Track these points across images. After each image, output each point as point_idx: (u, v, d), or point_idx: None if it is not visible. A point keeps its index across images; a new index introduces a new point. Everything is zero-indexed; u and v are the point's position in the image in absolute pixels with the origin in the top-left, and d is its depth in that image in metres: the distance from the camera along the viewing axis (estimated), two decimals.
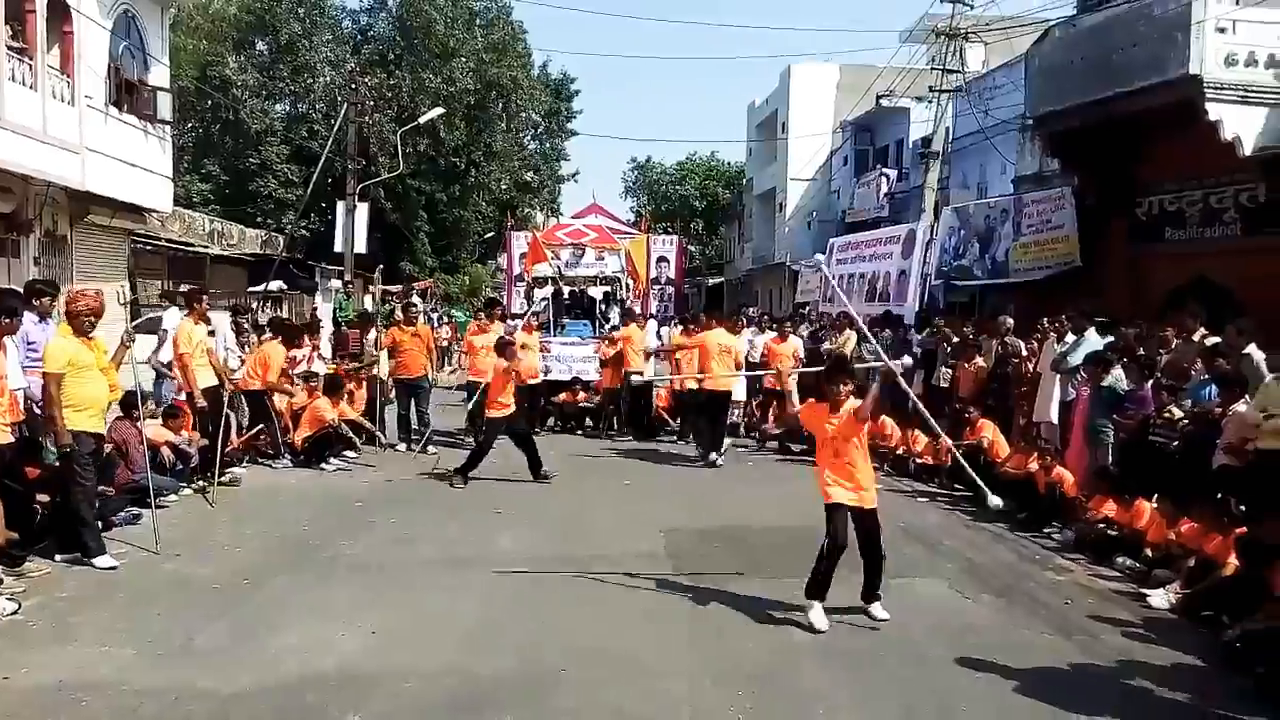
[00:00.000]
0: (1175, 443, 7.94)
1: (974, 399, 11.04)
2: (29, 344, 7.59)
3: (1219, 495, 6.84)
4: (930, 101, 20.95)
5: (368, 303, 23.16)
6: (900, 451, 11.25)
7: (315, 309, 24.89)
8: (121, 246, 17.71)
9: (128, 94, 16.08)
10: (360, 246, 23.59)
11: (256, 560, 6.96)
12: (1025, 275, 14.83)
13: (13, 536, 6.35)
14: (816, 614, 5.68)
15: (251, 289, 24.30)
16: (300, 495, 9.35)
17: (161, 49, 17.35)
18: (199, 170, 34.50)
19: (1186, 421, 7.88)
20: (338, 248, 23.94)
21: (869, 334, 11.26)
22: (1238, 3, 11.37)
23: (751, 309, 22.83)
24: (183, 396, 9.70)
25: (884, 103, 27.00)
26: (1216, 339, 8.49)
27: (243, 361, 11.16)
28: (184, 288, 14.03)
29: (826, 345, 14.01)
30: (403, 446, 11.99)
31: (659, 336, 14.90)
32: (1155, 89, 11.44)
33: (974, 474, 7.35)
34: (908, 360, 7.51)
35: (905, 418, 11.71)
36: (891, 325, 13.96)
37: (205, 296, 10.29)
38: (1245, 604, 5.67)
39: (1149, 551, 7.10)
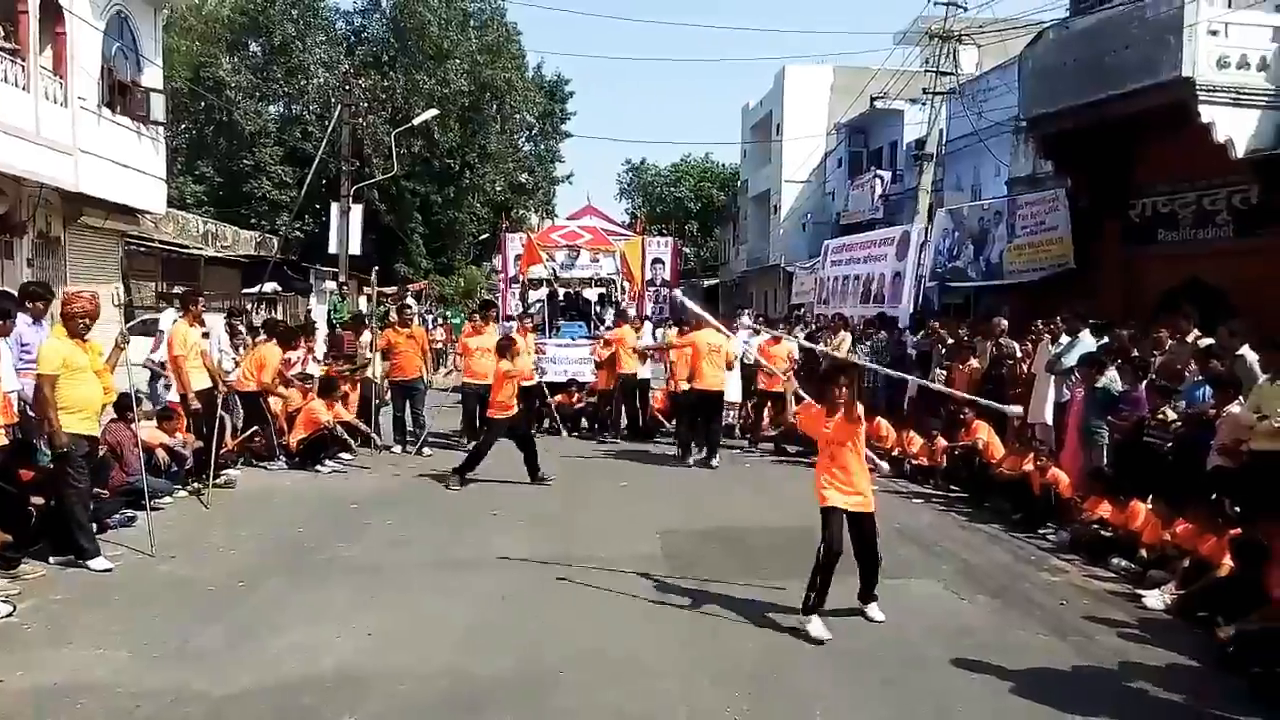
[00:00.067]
0: (1169, 444, 7.97)
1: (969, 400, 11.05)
2: (22, 346, 7.58)
3: (1213, 496, 6.87)
4: (924, 104, 21.01)
5: (362, 304, 23.14)
6: (895, 453, 11.26)
7: (309, 311, 24.89)
8: (115, 248, 17.67)
9: (121, 95, 16.04)
10: (355, 248, 23.61)
11: (252, 562, 6.95)
12: (1019, 277, 14.88)
13: (7, 539, 6.34)
14: (816, 626, 5.57)
15: (246, 291, 24.29)
16: (295, 497, 9.33)
17: (155, 50, 17.32)
18: (193, 172, 34.45)
19: (1180, 424, 7.91)
20: (332, 249, 23.97)
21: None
22: (1230, 5, 11.43)
23: (747, 311, 22.87)
24: (177, 398, 9.69)
25: (878, 105, 27.08)
26: (1210, 340, 8.54)
27: (237, 363, 11.15)
28: (178, 289, 14.01)
29: (821, 346, 14.03)
30: (398, 448, 11.97)
31: (654, 338, 14.91)
32: (1148, 91, 11.49)
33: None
34: (1017, 409, 7.52)
35: (900, 419, 11.78)
36: (886, 327, 14.00)
37: (201, 299, 10.30)
38: (1240, 605, 5.69)
39: (1144, 552, 7.11)
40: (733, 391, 13.47)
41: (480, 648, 5.36)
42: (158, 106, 16.83)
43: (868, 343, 13.46)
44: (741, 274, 41.20)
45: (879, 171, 28.08)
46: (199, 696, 4.62)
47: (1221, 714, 4.77)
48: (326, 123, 26.49)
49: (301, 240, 32.46)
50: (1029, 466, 8.94)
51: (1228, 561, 6.18)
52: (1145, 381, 8.54)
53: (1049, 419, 9.79)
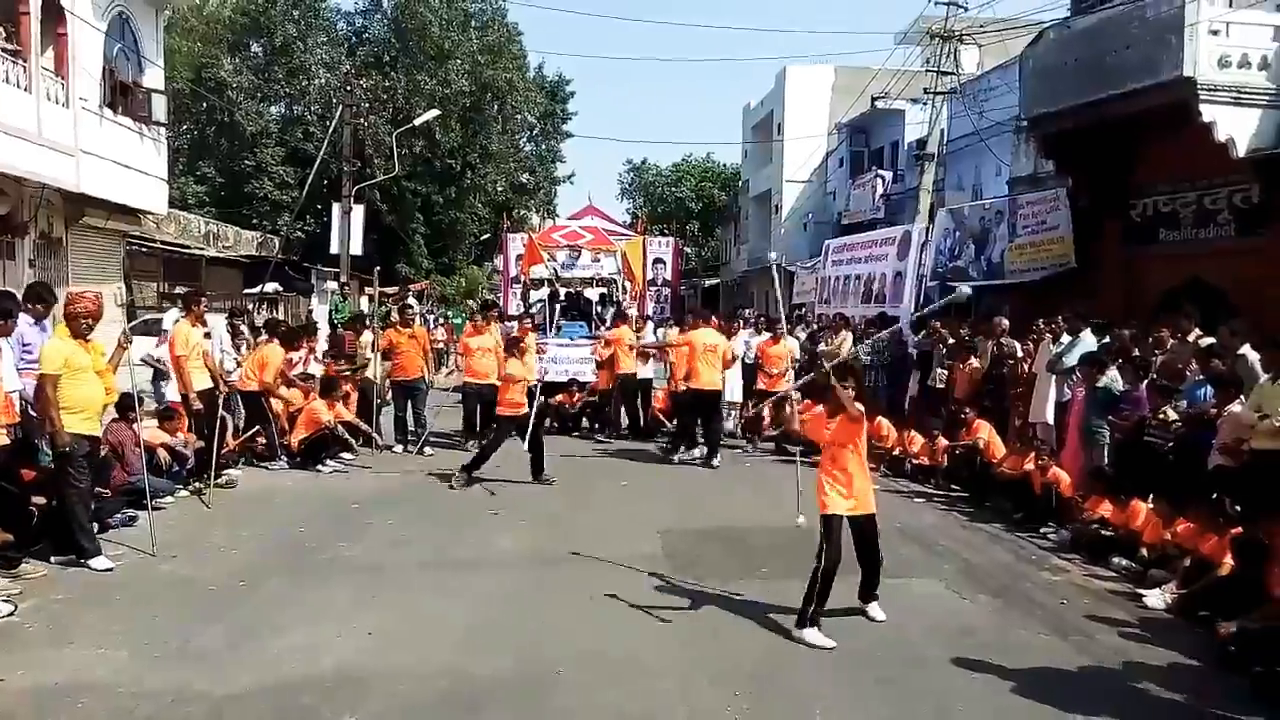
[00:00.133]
0: (1170, 443, 7.97)
1: (970, 400, 11.06)
2: (24, 346, 7.58)
3: (1214, 496, 6.86)
4: (925, 103, 21.00)
5: (364, 305, 23.17)
6: (896, 452, 11.26)
7: (310, 311, 24.92)
8: (116, 248, 17.69)
9: (122, 96, 16.06)
10: (356, 248, 23.62)
11: (253, 562, 6.95)
12: (1020, 277, 14.87)
13: (8, 538, 6.35)
14: (816, 637, 5.47)
15: (247, 291, 24.34)
16: (296, 497, 9.34)
17: (156, 51, 17.34)
18: (194, 172, 34.50)
19: (1180, 424, 7.91)
20: (333, 249, 23.98)
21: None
22: (1231, 5, 11.42)
23: (748, 310, 22.88)
24: (178, 398, 9.70)
25: (879, 105, 27.05)
26: (1211, 340, 8.53)
27: (238, 363, 11.16)
28: (179, 289, 14.03)
29: (823, 346, 14.03)
30: (399, 448, 11.98)
31: (656, 337, 14.92)
32: (1149, 91, 11.48)
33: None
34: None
35: (902, 418, 11.78)
36: (887, 326, 13.98)
37: (203, 299, 10.31)
38: (1241, 604, 5.69)
39: (1145, 552, 7.11)
40: (734, 391, 13.49)
41: (480, 647, 5.36)
42: (159, 107, 16.86)
43: (868, 342, 13.45)
44: (742, 274, 41.18)
45: (880, 171, 28.05)
46: (200, 696, 4.63)
47: (1223, 713, 4.77)
48: (328, 123, 26.51)
49: (303, 240, 32.48)
50: (1030, 466, 8.93)
51: (1229, 561, 6.18)
52: (1146, 381, 8.53)
53: (1050, 418, 9.78)
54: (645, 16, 75.42)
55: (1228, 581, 6.08)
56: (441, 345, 23.24)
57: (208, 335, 10.26)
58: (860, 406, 5.75)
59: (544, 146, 43.80)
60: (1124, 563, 7.16)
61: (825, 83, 32.62)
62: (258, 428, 10.62)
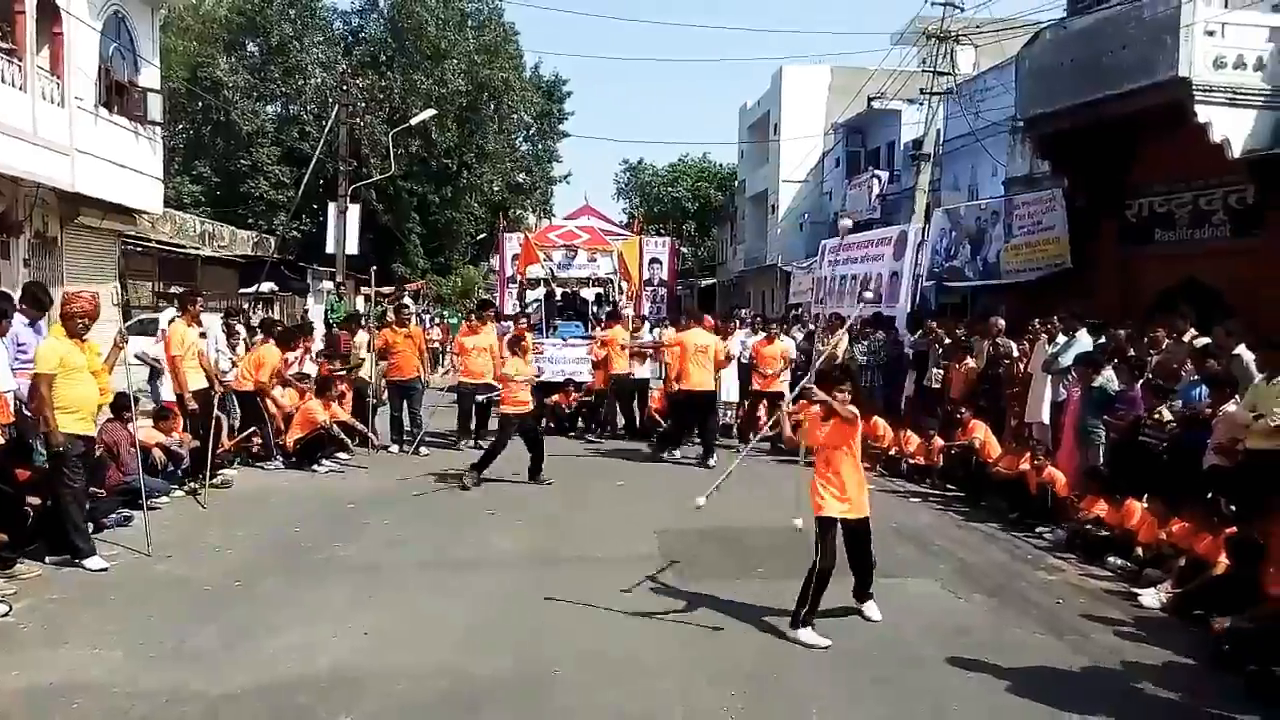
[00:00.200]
0: (1165, 443, 7.98)
1: (965, 400, 11.08)
2: (18, 345, 7.57)
3: (1209, 495, 6.88)
4: (921, 104, 21.02)
5: (360, 304, 23.16)
6: (892, 452, 11.27)
7: (306, 311, 24.89)
8: (112, 248, 17.65)
9: (118, 95, 16.02)
10: (352, 248, 23.60)
11: (248, 562, 6.94)
12: (1016, 277, 14.88)
13: (3, 539, 6.33)
14: (811, 637, 5.47)
15: (243, 291, 24.30)
16: (292, 497, 9.32)
17: (152, 50, 17.30)
18: (190, 172, 34.42)
19: (1175, 424, 7.92)
20: (329, 249, 23.95)
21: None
22: (1227, 6, 11.44)
23: (744, 310, 22.88)
24: (174, 397, 9.70)
25: (875, 105, 27.05)
26: (1206, 340, 8.55)
27: (234, 363, 11.15)
28: (175, 289, 14.02)
29: (819, 346, 14.03)
30: (395, 448, 11.97)
31: (652, 337, 14.91)
32: (1145, 91, 11.49)
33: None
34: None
35: (898, 418, 11.79)
36: (883, 326, 14.00)
37: (199, 299, 10.30)
38: (1236, 603, 5.70)
39: (1140, 551, 7.13)
40: (730, 391, 13.50)
41: (478, 647, 5.36)
42: (155, 106, 16.82)
43: (864, 342, 13.46)
44: (739, 274, 41.18)
45: (876, 171, 28.05)
46: (195, 696, 4.62)
47: (1218, 712, 4.78)
48: (324, 123, 26.47)
49: (299, 240, 32.42)
50: (1025, 466, 8.96)
51: (1224, 560, 6.20)
52: (1141, 381, 8.55)
53: (1046, 418, 9.80)
54: (642, 16, 75.46)
55: (1222, 581, 6.09)
56: (437, 345, 23.24)
57: (203, 335, 10.25)
58: (855, 409, 5.73)
59: (540, 146, 43.76)
60: (1119, 562, 7.18)
61: (822, 83, 32.62)
62: (253, 428, 10.61)
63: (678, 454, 11.82)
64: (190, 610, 5.84)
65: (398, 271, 35.49)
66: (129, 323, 9.49)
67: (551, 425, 13.80)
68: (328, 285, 25.38)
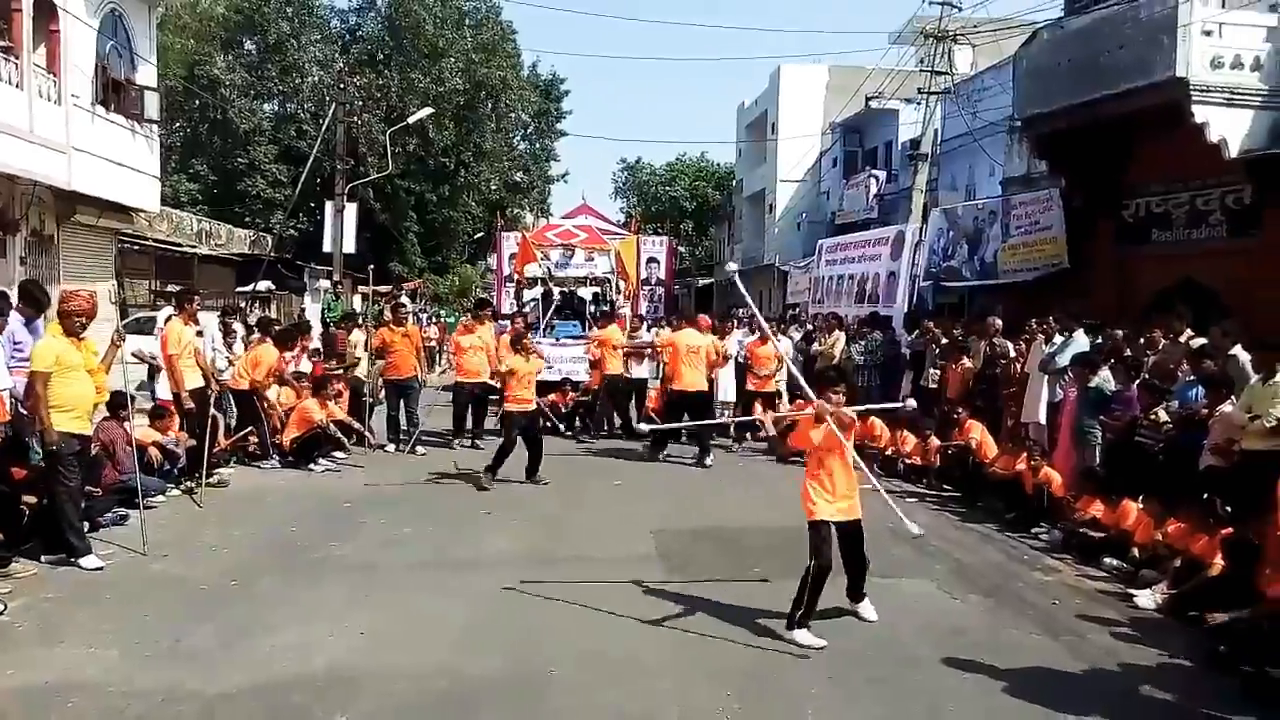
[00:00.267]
0: (1161, 444, 7.99)
1: (962, 400, 11.08)
2: (15, 344, 7.55)
3: (1205, 496, 6.89)
4: (919, 103, 21.03)
5: (357, 303, 23.13)
6: (889, 452, 11.28)
7: (303, 309, 24.86)
8: (109, 246, 17.64)
9: (115, 93, 16.01)
10: (349, 247, 23.56)
11: (244, 561, 6.93)
12: (1013, 277, 14.90)
13: None
14: (806, 637, 5.46)
15: (240, 289, 24.25)
16: (288, 496, 9.31)
17: (149, 48, 17.29)
18: (187, 170, 34.36)
19: (1171, 424, 7.93)
20: (326, 248, 23.90)
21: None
22: (1224, 6, 11.46)
23: (741, 310, 22.86)
24: (170, 396, 9.68)
25: (873, 104, 27.05)
26: (1203, 340, 8.56)
27: (230, 362, 11.13)
28: (172, 287, 14.00)
29: (816, 346, 14.05)
30: (391, 447, 11.96)
31: (650, 337, 14.90)
32: (1142, 91, 11.52)
33: None
34: (912, 404, 7.53)
35: (894, 419, 11.78)
36: (880, 326, 14.01)
37: (196, 297, 10.28)
38: (1231, 604, 5.71)
39: (1136, 552, 7.13)
40: (727, 391, 13.50)
41: (474, 647, 5.36)
42: (152, 104, 16.82)
43: (861, 342, 13.47)
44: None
45: (874, 171, 28.07)
46: (191, 695, 4.61)
47: (1213, 713, 4.78)
48: (321, 121, 26.40)
49: (296, 239, 32.39)
50: (1022, 466, 8.96)
51: (1219, 561, 6.20)
52: (1138, 381, 8.56)
53: (1042, 419, 9.81)
54: (640, 15, 75.55)
55: (1218, 581, 6.10)
56: (434, 344, 23.22)
57: (200, 334, 10.23)
58: (850, 412, 5.71)
59: (538, 145, 43.73)
60: (1115, 563, 7.18)
61: (819, 82, 32.64)
62: (250, 427, 10.59)
63: (662, 454, 11.77)
64: (186, 609, 5.83)
65: (395, 270, 35.45)
66: (126, 321, 9.48)
67: (548, 425, 13.79)
68: (325, 284, 25.37)
